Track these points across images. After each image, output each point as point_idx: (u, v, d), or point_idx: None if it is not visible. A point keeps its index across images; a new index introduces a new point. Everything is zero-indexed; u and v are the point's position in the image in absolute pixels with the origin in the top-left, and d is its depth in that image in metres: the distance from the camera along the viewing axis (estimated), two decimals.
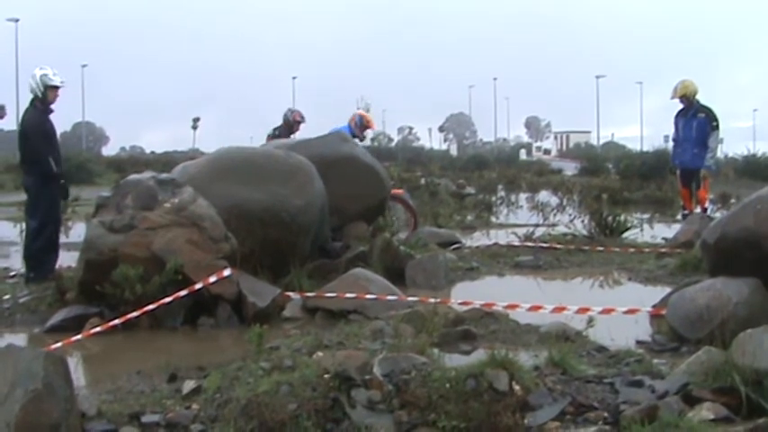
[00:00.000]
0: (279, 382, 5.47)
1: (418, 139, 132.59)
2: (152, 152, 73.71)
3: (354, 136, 15.06)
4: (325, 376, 5.49)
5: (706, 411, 5.20)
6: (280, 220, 10.66)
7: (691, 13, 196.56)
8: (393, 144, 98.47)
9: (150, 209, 9.60)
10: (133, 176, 10.39)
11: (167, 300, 8.84)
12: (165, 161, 32.33)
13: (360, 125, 15.28)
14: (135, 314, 8.67)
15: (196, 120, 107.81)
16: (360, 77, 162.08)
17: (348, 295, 9.25)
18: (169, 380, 6.56)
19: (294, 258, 10.66)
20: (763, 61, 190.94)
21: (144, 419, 5.58)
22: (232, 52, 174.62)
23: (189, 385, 6.13)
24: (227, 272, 9.20)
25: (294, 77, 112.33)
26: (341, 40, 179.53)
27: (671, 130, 17.50)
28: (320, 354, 6.52)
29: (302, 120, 17.52)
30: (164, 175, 10.35)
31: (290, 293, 9.80)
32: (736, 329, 6.18)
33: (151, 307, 8.76)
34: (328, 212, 11.97)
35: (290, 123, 17.43)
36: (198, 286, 9.03)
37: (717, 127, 16.65)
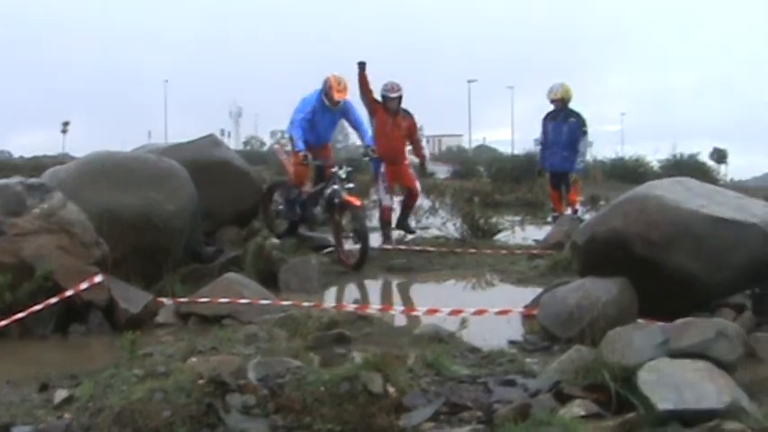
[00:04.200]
0: (152, 389, 5.41)
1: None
2: (20, 156, 72.35)
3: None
4: (200, 382, 5.45)
5: (577, 408, 5.32)
6: (152, 225, 10.57)
7: (560, 18, 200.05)
8: (265, 148, 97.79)
9: (19, 215, 9.41)
10: (0, 181, 10.18)
11: (37, 307, 8.65)
12: (34, 166, 31.60)
13: (323, 90, 14.45)
14: (4, 323, 8.46)
15: (66, 124, 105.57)
16: (232, 81, 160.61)
17: (221, 300, 9.21)
18: (40, 389, 6.43)
19: (167, 263, 10.56)
20: (630, 67, 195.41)
21: (14, 431, 5.48)
22: (103, 54, 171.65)
23: (61, 394, 6.04)
24: (98, 278, 9.06)
25: (166, 80, 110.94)
26: (213, 42, 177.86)
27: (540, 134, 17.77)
28: (194, 359, 6.48)
29: None
30: (32, 180, 10.13)
31: (163, 299, 9.69)
32: (606, 328, 6.31)
33: (20, 315, 8.55)
34: (201, 217, 11.91)
35: None
36: (69, 293, 8.86)
37: (586, 132, 17.01)
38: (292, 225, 14.60)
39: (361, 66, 15.52)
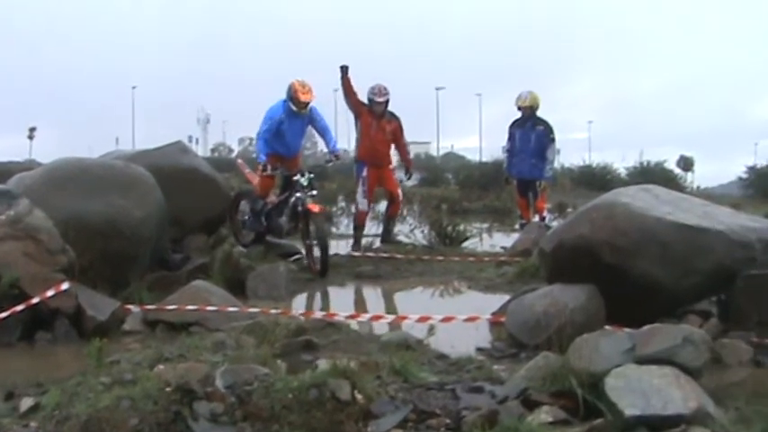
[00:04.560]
0: (119, 397, 5.38)
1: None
2: None
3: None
4: (167, 389, 5.42)
5: (545, 414, 5.33)
6: (119, 232, 10.51)
7: (527, 26, 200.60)
8: (234, 155, 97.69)
9: None
10: None
11: (3, 315, 8.58)
12: (0, 172, 31.38)
13: (288, 96, 14.14)
14: None
15: (32, 129, 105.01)
16: (201, 88, 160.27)
17: (189, 307, 9.18)
18: (6, 398, 6.37)
19: (134, 271, 10.52)
20: (597, 74, 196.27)
21: None
22: (70, 60, 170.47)
23: (27, 403, 5.98)
24: (64, 285, 9.00)
25: (134, 87, 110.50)
26: (182, 48, 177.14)
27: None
28: (161, 367, 6.44)
29: None
30: None
31: (130, 306, 9.64)
32: (573, 334, 6.33)
33: None
34: (168, 224, 11.86)
35: None
36: (35, 300, 8.81)
37: (554, 140, 17.11)
38: (258, 236, 14.62)
39: (344, 69, 15.57)
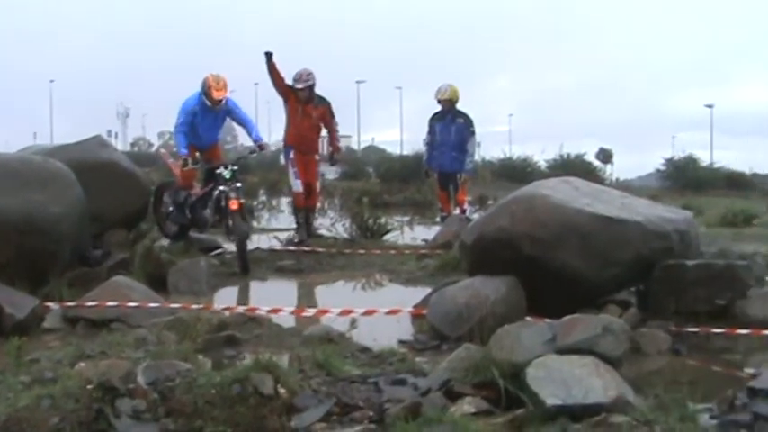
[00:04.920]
0: (40, 396, 5.32)
1: None
2: None
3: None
4: (88, 387, 5.36)
5: (467, 405, 5.39)
6: (37, 228, 10.35)
7: (447, 19, 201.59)
8: (153, 149, 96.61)
9: None
10: None
11: None
12: None
13: (202, 91, 13.84)
14: None
15: None
16: (120, 81, 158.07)
17: (109, 304, 9.08)
18: None
19: (53, 267, 10.37)
20: (517, 68, 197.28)
21: None
22: None
23: None
24: None
25: (51, 80, 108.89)
26: (100, 41, 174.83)
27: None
28: (82, 364, 6.39)
29: None
30: None
31: (50, 303, 9.50)
32: (495, 326, 6.40)
33: None
34: (88, 219, 11.73)
35: None
36: None
37: (474, 132, 17.21)
38: (182, 228, 14.50)
39: (268, 55, 15.42)
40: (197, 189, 14.22)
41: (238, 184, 13.43)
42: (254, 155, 14.66)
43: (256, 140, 14.29)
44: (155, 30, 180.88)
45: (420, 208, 26.58)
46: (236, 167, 13.64)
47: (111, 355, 6.97)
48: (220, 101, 13.66)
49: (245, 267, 12.71)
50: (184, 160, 13.51)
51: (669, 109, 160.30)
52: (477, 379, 5.61)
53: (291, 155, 15.68)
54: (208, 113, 13.89)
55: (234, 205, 13.16)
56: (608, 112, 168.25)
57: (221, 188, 13.35)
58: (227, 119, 14.65)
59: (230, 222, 13.24)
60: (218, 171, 13.53)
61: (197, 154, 13.97)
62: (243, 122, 14.37)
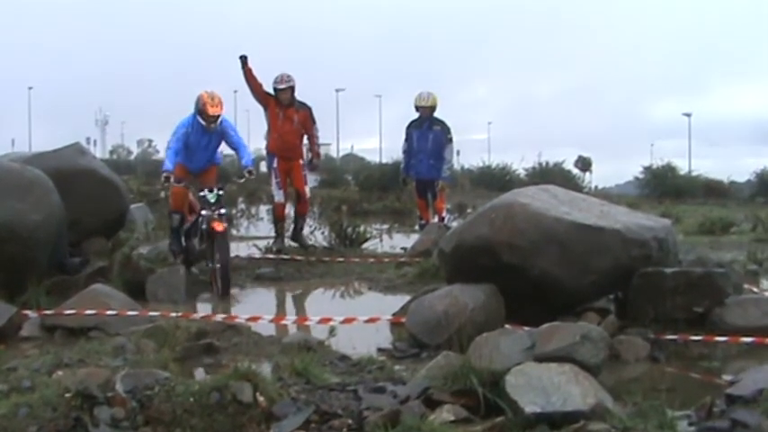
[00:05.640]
0: (17, 405, 5.30)
1: (158, 152, 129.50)
2: None
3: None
4: (67, 395, 5.35)
5: (446, 413, 5.38)
6: (15, 236, 10.31)
7: (426, 27, 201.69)
8: (132, 157, 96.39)
9: None
10: None
11: None
12: None
13: (197, 109, 13.08)
14: None
15: None
16: (99, 88, 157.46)
17: (88, 312, 9.04)
18: None
19: (31, 275, 10.32)
20: (496, 76, 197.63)
21: None
22: None
23: None
24: None
25: (30, 87, 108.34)
26: (79, 49, 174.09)
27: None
28: (60, 373, 6.38)
29: None
30: None
31: (28, 312, 9.46)
32: (474, 334, 6.40)
33: None
34: (66, 227, 11.68)
35: None
36: None
37: (452, 140, 17.22)
38: (185, 259, 13.41)
39: (243, 59, 15.34)
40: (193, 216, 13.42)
41: (222, 210, 12.63)
42: (242, 180, 14.22)
43: (245, 167, 13.48)
44: (134, 37, 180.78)
45: (399, 216, 26.64)
46: (221, 192, 12.88)
47: (90, 363, 6.95)
48: (216, 117, 13.00)
49: (226, 291, 11.92)
50: (166, 176, 12.91)
51: (648, 117, 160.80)
52: (456, 387, 5.61)
53: (275, 163, 15.59)
54: (202, 135, 13.14)
55: (219, 227, 12.25)
56: (587, 120, 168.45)
57: (203, 212, 12.63)
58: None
59: (213, 247, 12.35)
60: (201, 194, 12.81)
61: (184, 175, 13.36)
62: (235, 147, 13.60)
